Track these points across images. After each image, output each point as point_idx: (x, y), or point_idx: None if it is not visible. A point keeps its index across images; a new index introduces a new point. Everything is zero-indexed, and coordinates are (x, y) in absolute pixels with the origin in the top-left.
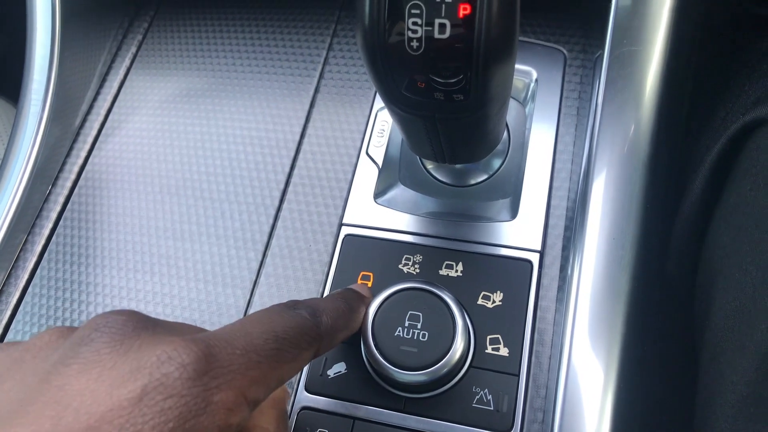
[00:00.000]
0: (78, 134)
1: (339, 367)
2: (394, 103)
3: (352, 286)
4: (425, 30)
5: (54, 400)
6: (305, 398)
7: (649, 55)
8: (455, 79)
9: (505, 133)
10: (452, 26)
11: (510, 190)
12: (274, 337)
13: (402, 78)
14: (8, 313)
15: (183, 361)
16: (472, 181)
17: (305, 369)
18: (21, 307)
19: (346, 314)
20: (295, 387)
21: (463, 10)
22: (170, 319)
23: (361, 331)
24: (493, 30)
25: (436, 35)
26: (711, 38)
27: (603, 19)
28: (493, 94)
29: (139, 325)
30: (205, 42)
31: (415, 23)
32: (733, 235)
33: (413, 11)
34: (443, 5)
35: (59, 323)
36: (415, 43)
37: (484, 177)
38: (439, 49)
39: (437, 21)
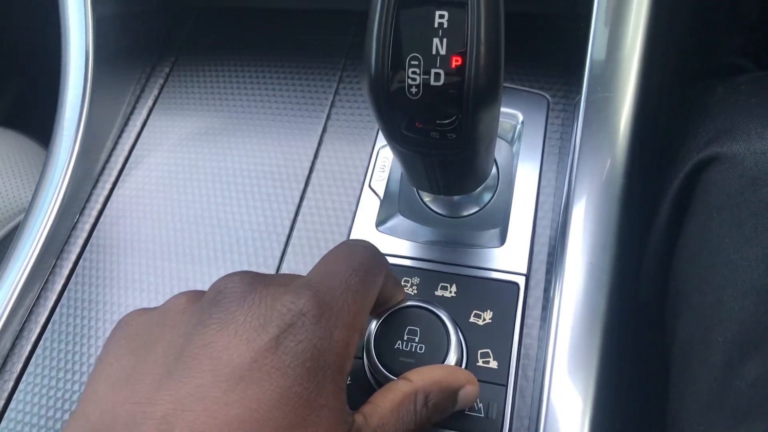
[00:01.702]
0: (104, 168)
1: None
2: (395, 141)
3: None
4: (423, 78)
5: (206, 356)
6: None
7: (621, 101)
8: (448, 120)
9: (495, 170)
10: (446, 75)
11: (499, 221)
12: (355, 271)
13: (402, 119)
14: (38, 330)
15: (301, 311)
16: (465, 213)
17: None
18: (50, 326)
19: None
20: None
21: (455, 62)
22: None
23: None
24: (481, 79)
25: (432, 83)
26: (679, 85)
27: (582, 68)
28: (481, 133)
29: (253, 281)
30: (222, 86)
31: (414, 72)
32: (692, 261)
33: (413, 62)
34: (438, 57)
35: (85, 340)
36: (414, 90)
37: (476, 209)
38: (434, 94)
39: (433, 71)
